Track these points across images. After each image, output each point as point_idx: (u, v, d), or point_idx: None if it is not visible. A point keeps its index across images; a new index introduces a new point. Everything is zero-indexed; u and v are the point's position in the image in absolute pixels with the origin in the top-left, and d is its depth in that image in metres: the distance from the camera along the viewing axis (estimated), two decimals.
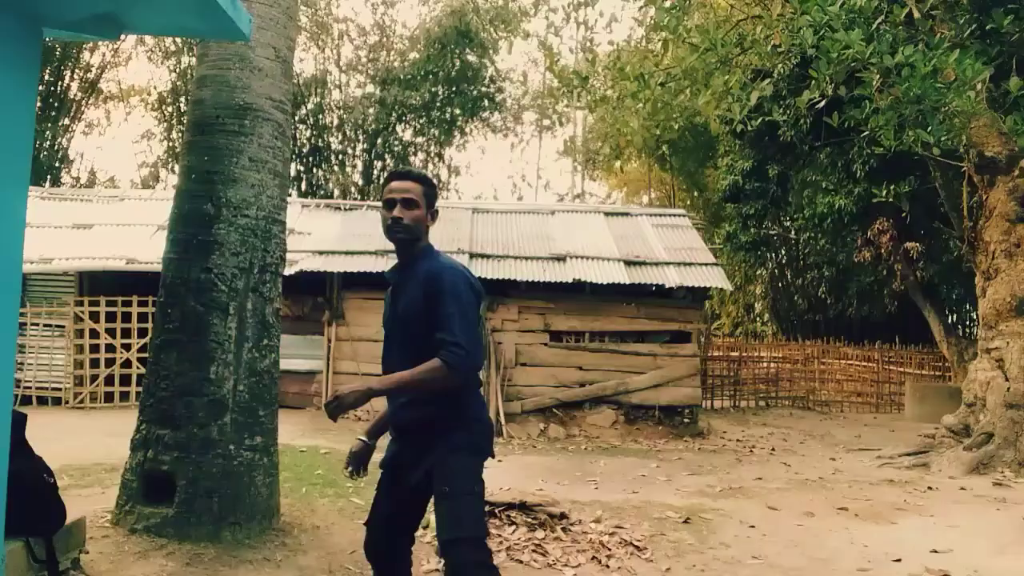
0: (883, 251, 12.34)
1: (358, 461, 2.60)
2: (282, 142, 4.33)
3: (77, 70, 19.37)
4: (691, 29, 7.23)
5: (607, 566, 3.99)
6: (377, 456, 2.63)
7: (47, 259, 9.99)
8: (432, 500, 2.37)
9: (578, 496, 5.55)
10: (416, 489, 2.43)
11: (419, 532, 4.36)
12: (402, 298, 2.44)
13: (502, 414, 9.37)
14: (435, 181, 2.64)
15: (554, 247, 10.59)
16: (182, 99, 19.73)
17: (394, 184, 2.46)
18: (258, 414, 4.05)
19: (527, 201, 26.84)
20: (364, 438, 2.62)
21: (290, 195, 7.55)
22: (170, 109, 21.25)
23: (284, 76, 4.35)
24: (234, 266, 4.02)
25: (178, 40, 19.29)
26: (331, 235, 10.74)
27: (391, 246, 2.53)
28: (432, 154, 22.76)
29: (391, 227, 2.43)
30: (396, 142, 21.79)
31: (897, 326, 15.12)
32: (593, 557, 4.07)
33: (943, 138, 6.91)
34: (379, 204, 2.56)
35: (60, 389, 9.84)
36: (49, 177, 18.27)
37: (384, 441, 2.60)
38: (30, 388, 9.69)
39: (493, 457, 2.49)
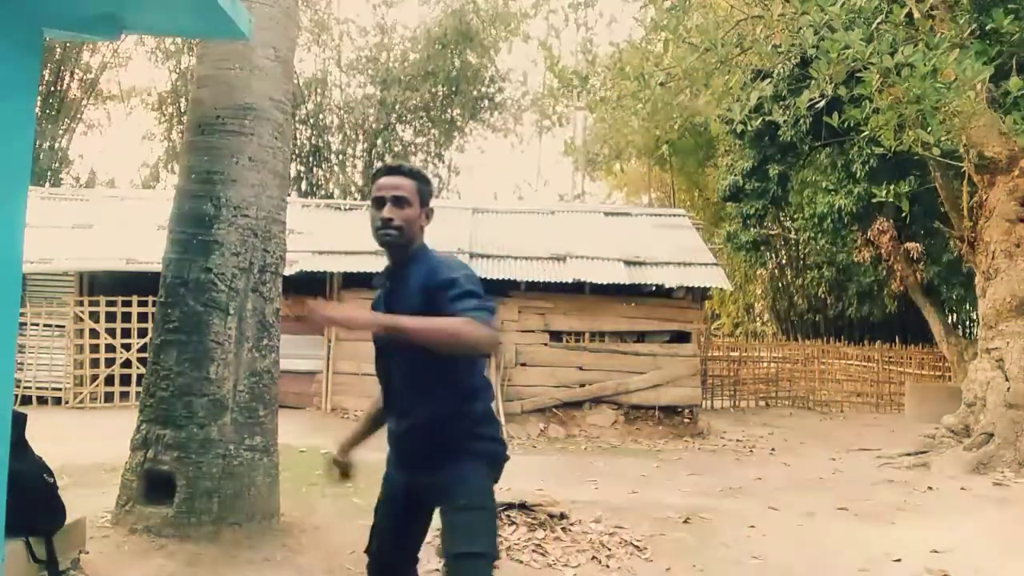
0: (883, 251, 12.34)
1: (343, 473, 2.51)
2: (282, 142, 4.33)
3: (77, 70, 19.37)
4: (691, 29, 7.23)
5: (607, 566, 3.99)
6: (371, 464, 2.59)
7: (47, 259, 9.99)
8: (440, 514, 2.21)
9: (578, 496, 5.55)
10: (428, 509, 2.30)
11: None
12: (397, 306, 2.12)
13: (502, 414, 9.36)
14: (429, 177, 2.36)
15: (554, 247, 10.59)
16: (182, 99, 19.73)
17: (383, 181, 2.19)
18: (258, 414, 4.05)
19: (527, 201, 26.84)
20: (338, 457, 2.50)
21: (290, 195, 7.55)
22: (170, 109, 21.25)
23: (284, 76, 4.35)
24: (234, 266, 4.02)
25: (178, 40, 19.28)
26: (331, 235, 10.74)
27: None
28: (432, 154, 22.77)
29: (380, 228, 2.16)
30: (396, 142, 21.79)
31: (897, 326, 15.12)
32: (593, 557, 4.07)
33: (943, 138, 6.91)
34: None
35: (60, 389, 9.84)
36: (49, 177, 18.27)
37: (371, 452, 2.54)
38: (30, 388, 9.69)
39: (496, 483, 2.27)
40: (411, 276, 2.16)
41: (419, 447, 2.21)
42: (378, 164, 21.40)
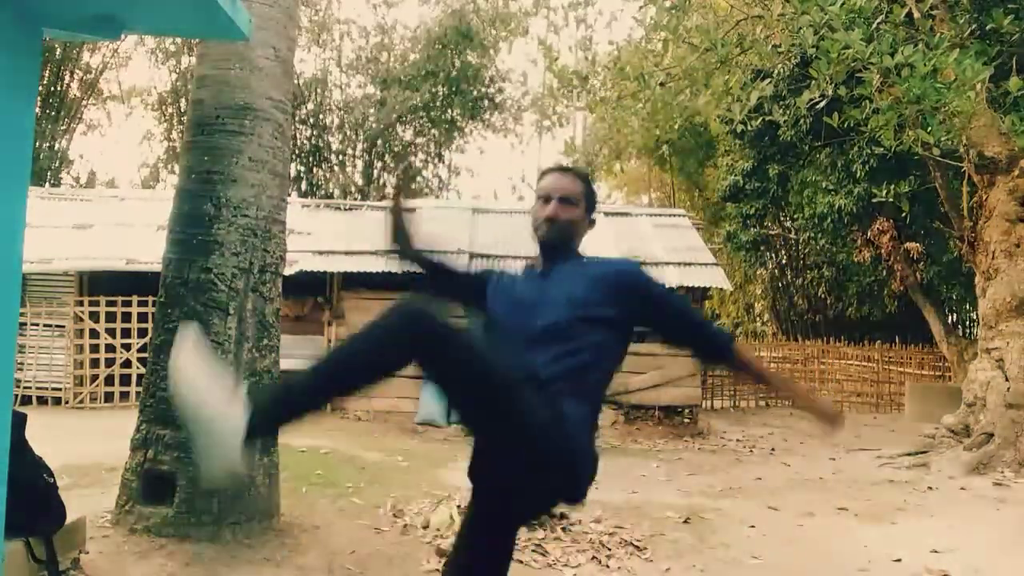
0: (883, 251, 12.33)
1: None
2: (282, 142, 4.33)
3: (77, 70, 19.36)
4: (691, 29, 7.23)
5: (607, 566, 3.99)
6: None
7: (47, 259, 9.99)
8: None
9: None
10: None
11: (419, 532, 4.38)
12: (564, 283, 2.07)
13: None
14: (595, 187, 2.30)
15: None
16: (182, 99, 19.72)
17: (551, 179, 2.17)
18: None
19: (527, 201, 26.82)
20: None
21: (290, 195, 7.56)
22: (170, 109, 21.25)
23: (284, 76, 4.35)
24: (234, 266, 4.02)
25: (178, 40, 19.28)
26: (331, 235, 10.74)
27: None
28: (432, 154, 22.77)
29: (542, 225, 2.12)
30: (396, 142, 21.79)
31: (897, 326, 15.11)
32: (593, 557, 4.07)
33: (943, 138, 6.91)
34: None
35: (60, 389, 9.84)
36: (49, 177, 18.26)
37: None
38: (30, 388, 9.69)
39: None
40: (583, 265, 2.17)
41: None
42: (388, 167, 21.44)
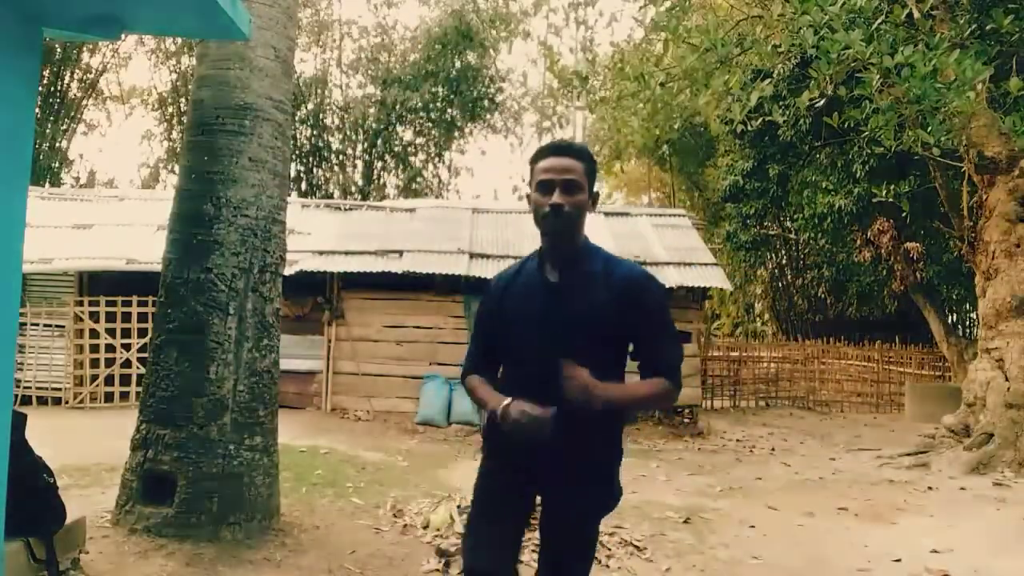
0: (883, 251, 12.33)
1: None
2: (282, 142, 4.33)
3: (77, 70, 19.36)
4: (691, 29, 7.23)
5: (607, 566, 3.99)
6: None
7: (47, 259, 9.99)
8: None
9: None
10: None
11: (419, 532, 4.38)
12: (576, 299, 1.97)
13: None
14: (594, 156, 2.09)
15: None
16: (182, 99, 19.73)
17: (552, 162, 1.95)
18: (258, 414, 4.06)
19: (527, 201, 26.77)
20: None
21: (290, 195, 7.55)
22: (170, 109, 21.26)
23: (284, 76, 4.35)
24: (234, 266, 4.02)
25: (178, 40, 19.29)
26: (331, 235, 10.74)
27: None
28: (432, 155, 22.76)
29: (549, 217, 1.95)
30: (396, 142, 21.80)
31: (897, 326, 15.11)
32: None
33: (943, 138, 6.91)
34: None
35: (60, 389, 9.83)
36: (49, 177, 18.26)
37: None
38: (30, 388, 9.69)
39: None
40: (596, 274, 2.01)
41: (583, 453, 2.11)
42: (388, 167, 21.50)
